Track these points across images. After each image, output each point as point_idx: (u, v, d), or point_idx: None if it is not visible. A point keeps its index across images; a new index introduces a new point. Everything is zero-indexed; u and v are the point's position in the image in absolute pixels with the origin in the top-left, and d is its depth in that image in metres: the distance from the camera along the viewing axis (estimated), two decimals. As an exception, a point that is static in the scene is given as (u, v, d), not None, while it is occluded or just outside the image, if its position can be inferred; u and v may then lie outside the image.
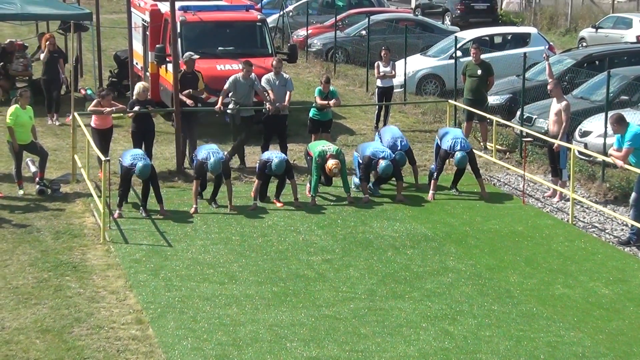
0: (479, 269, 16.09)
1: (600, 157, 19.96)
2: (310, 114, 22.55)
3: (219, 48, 25.68)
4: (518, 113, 23.75)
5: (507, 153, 23.47)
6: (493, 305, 14.53)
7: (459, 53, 28.86)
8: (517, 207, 19.86)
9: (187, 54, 22.69)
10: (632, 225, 17.50)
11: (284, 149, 22.19)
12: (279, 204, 19.28)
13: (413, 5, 49.34)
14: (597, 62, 26.63)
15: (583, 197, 20.07)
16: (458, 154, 19.80)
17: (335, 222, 18.60)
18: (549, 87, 20.82)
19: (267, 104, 21.93)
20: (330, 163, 19.08)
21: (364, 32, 34.65)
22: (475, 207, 19.41)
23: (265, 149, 21.90)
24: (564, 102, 20.46)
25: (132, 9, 27.98)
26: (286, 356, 12.68)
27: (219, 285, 15.10)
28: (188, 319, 13.80)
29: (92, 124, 20.76)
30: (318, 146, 19.79)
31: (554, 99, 20.58)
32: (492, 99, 25.29)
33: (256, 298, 14.68)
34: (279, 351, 12.81)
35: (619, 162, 17.57)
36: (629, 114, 19.14)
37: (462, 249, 17.18)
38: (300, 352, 12.79)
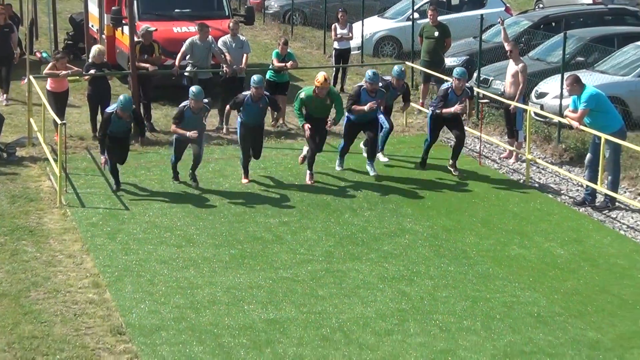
0: (435, 230, 16.15)
1: (556, 119, 20.02)
2: (267, 76, 22.46)
3: (175, 10, 25.54)
4: (475, 75, 23.75)
5: (463, 115, 23.43)
6: (449, 266, 14.59)
7: (416, 15, 28.97)
8: (474, 169, 19.91)
9: (143, 26, 22.52)
10: (587, 186, 17.62)
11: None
12: (244, 180, 18.66)
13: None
14: (553, 24, 26.77)
15: (539, 158, 20.23)
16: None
17: (292, 185, 18.55)
18: (507, 47, 20.81)
19: (224, 66, 21.88)
20: (319, 76, 18.28)
21: (322, -8, 34.44)
22: (432, 169, 19.35)
23: (222, 112, 21.75)
24: (521, 64, 20.49)
25: None
26: (244, 318, 12.64)
27: (176, 248, 15.06)
28: (145, 282, 13.76)
29: (48, 87, 20.67)
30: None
31: (511, 61, 20.57)
32: (449, 61, 25.33)
33: (214, 261, 14.65)
34: (237, 313, 12.79)
35: (575, 124, 17.61)
36: (585, 76, 19.23)
37: (418, 210, 17.22)
38: (258, 315, 12.78)
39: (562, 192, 18.69)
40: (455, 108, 18.88)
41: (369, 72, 18.80)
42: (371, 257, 14.97)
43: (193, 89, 17.75)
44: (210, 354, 11.63)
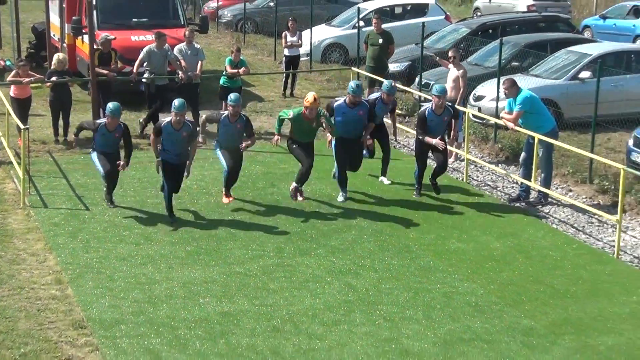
0: (380, 226, 16.36)
1: (493, 120, 20.34)
2: (221, 82, 22.68)
3: (133, 20, 25.56)
4: (417, 79, 24.04)
5: (407, 117, 23.77)
6: (393, 260, 14.84)
7: (361, 23, 29.13)
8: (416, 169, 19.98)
9: (102, 35, 22.60)
10: (522, 183, 17.94)
11: (195, 116, 22.35)
12: (225, 200, 17.45)
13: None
14: (490, 31, 27.05)
15: (477, 157, 20.47)
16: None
17: (245, 184, 18.63)
18: (450, 54, 21.16)
19: (179, 73, 22.03)
20: (309, 96, 16.59)
21: (272, 4, 34.62)
22: (377, 169, 19.53)
23: (155, 114, 22.35)
24: (462, 70, 20.87)
25: None
26: (199, 311, 12.84)
27: (134, 246, 15.24)
28: (105, 279, 13.93)
29: (12, 94, 20.61)
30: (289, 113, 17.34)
31: (452, 66, 20.92)
32: (393, 66, 25.66)
33: (170, 257, 14.84)
34: (192, 307, 13.00)
35: (510, 124, 17.93)
36: (520, 79, 19.48)
37: (364, 207, 17.46)
38: (213, 308, 12.99)
39: (498, 189, 19.01)
40: (435, 142, 17.28)
41: (352, 84, 17.46)
42: (319, 252, 15.22)
43: (175, 102, 16.44)
44: (167, 346, 11.79)
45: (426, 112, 17.43)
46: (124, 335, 12.10)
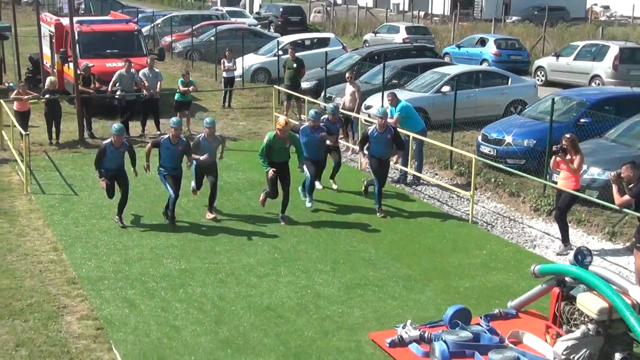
0: (299, 201, 16.14)
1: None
2: (176, 97, 22.46)
3: (107, 50, 25.31)
4: (322, 93, 24.01)
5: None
6: (307, 227, 14.79)
7: (280, 52, 29.09)
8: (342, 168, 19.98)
9: (84, 63, 22.28)
10: (401, 169, 17.95)
11: (157, 123, 22.34)
12: (209, 216, 15.30)
13: (251, 18, 49.09)
14: (376, 57, 27.11)
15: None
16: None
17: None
18: (347, 75, 21.28)
19: (144, 90, 21.84)
20: (281, 119, 14.71)
21: (212, 38, 34.37)
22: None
23: (143, 123, 22.39)
24: (357, 87, 20.99)
25: (42, 23, 27.89)
26: (163, 269, 12.80)
27: (112, 222, 14.97)
28: (91, 246, 13.75)
29: (15, 108, 20.29)
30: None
31: (348, 84, 20.96)
32: (304, 84, 25.57)
33: (140, 229, 14.67)
34: (158, 266, 12.94)
35: (392, 122, 18.03)
36: (399, 93, 19.61)
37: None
38: (173, 266, 12.94)
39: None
40: (362, 163, 16.16)
41: (311, 112, 15.73)
42: (252, 222, 15.13)
43: (173, 119, 15.02)
44: (139, 295, 11.76)
45: (369, 132, 15.48)
46: (106, 288, 12.02)
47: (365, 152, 15.54)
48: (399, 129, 17.67)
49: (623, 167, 12.18)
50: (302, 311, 11.29)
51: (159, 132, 21.99)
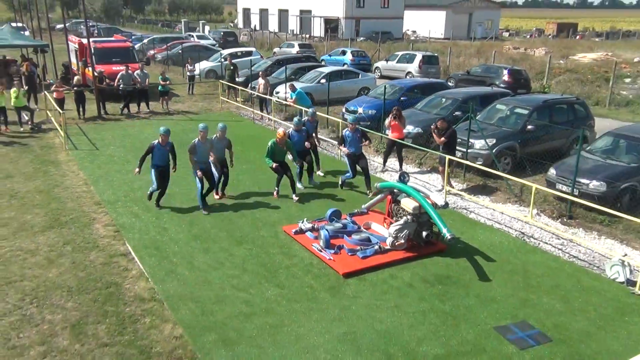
0: (239, 150, 15.62)
1: (285, 102, 20.10)
2: (159, 89, 21.66)
3: (113, 59, 24.13)
4: (249, 84, 23.50)
5: (245, 102, 23.35)
6: (244, 165, 14.46)
7: (223, 60, 28.33)
8: (249, 125, 19.73)
9: (98, 69, 21.21)
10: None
11: (147, 105, 21.59)
12: (216, 196, 12.25)
13: (211, 39, 47.10)
14: (281, 62, 26.56)
15: (276, 119, 20.19)
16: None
17: (174, 133, 17.86)
18: (260, 73, 20.90)
19: (137, 84, 21.00)
20: (280, 131, 11.93)
21: (180, 51, 33.11)
22: (242, 125, 19.16)
23: (138, 105, 21.27)
24: (267, 80, 20.64)
25: (69, 42, 26.56)
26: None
27: (123, 165, 14.48)
28: (109, 181, 13.25)
29: (54, 96, 19.20)
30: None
31: (261, 78, 20.58)
32: (239, 80, 24.79)
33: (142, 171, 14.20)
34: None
35: (290, 103, 18.01)
36: (296, 84, 19.48)
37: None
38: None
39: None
40: (343, 151, 12.71)
41: (295, 119, 12.91)
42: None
43: (200, 125, 11.63)
44: (141, 210, 11.47)
45: (345, 133, 12.63)
46: (120, 206, 11.71)
47: (343, 148, 12.71)
48: (296, 105, 17.66)
49: (439, 121, 12.60)
50: (242, 215, 11.25)
51: (148, 110, 21.37)
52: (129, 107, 21.25)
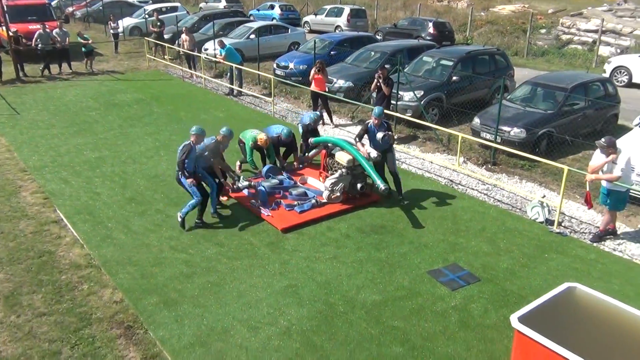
0: (169, 109, 15.52)
1: (214, 58, 19.48)
2: (83, 49, 20.47)
3: (28, 17, 22.51)
4: (177, 41, 22.56)
5: (173, 60, 22.44)
6: (175, 125, 14.15)
7: (147, 16, 26.96)
8: (179, 83, 19.13)
9: (12, 29, 19.66)
10: (228, 87, 17.40)
11: (69, 65, 20.39)
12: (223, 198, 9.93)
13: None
14: (208, 18, 25.59)
15: (209, 76, 19.64)
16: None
17: (99, 94, 17.10)
18: (183, 30, 19.97)
19: (57, 43, 19.72)
20: (263, 136, 10.43)
21: (101, 7, 31.18)
22: (172, 84, 18.57)
23: (60, 66, 20.06)
24: (191, 36, 19.66)
25: None
26: (84, 157, 11.93)
27: (45, 130, 13.73)
28: (33, 147, 12.54)
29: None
30: (247, 133, 10.77)
31: (184, 34, 19.59)
32: (166, 36, 23.69)
33: (67, 133, 13.52)
34: (81, 156, 12.05)
35: (220, 60, 17.49)
36: (224, 39, 18.94)
37: (160, 103, 16.42)
38: (90, 155, 12.07)
39: (218, 86, 18.50)
40: (364, 152, 9.55)
41: (284, 130, 10.87)
42: (140, 125, 14.21)
43: (223, 129, 9.25)
44: (70, 175, 10.95)
45: (368, 125, 9.57)
46: (47, 172, 11.15)
47: (363, 148, 9.66)
48: (223, 61, 17.22)
49: (381, 71, 12.60)
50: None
51: (70, 70, 20.18)
52: (50, 68, 20.02)
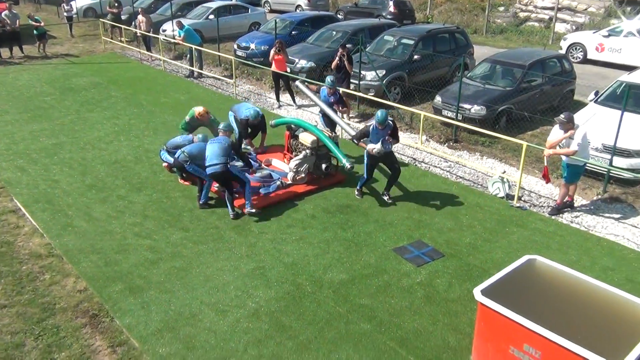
0: (128, 93, 15.17)
1: (172, 40, 19.02)
2: (35, 32, 19.70)
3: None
4: (132, 23, 21.95)
5: (130, 42, 21.81)
6: (134, 109, 13.88)
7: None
8: (137, 66, 18.66)
9: None
10: (188, 69, 17.07)
11: (20, 48, 19.62)
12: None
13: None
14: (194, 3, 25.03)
15: (165, 60, 19.23)
16: None
17: (54, 78, 16.55)
18: (139, 10, 19.43)
19: (7, 26, 18.97)
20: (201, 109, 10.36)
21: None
22: (129, 67, 18.07)
23: (11, 49, 19.25)
24: (148, 17, 19.10)
25: None
26: (41, 144, 11.58)
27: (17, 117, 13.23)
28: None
29: None
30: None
31: (141, 15, 19.04)
32: (123, 17, 22.96)
33: (21, 120, 13.07)
34: (37, 142, 11.70)
35: (179, 41, 17.12)
36: (183, 20, 18.51)
37: (118, 86, 16.02)
38: (47, 142, 11.73)
39: (181, 69, 18.13)
40: (370, 147, 8.76)
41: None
42: (99, 110, 13.84)
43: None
44: (27, 163, 10.59)
45: (370, 127, 8.79)
46: (3, 160, 10.80)
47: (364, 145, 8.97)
48: (182, 42, 16.89)
49: (340, 49, 12.66)
50: (138, 161, 10.79)
51: (22, 54, 19.44)
52: (0, 52, 19.21)
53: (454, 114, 11.69)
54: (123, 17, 22.67)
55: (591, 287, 5.73)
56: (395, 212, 8.89)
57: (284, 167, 10.21)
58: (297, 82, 11.30)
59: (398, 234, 8.28)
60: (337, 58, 12.74)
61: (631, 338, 5.18)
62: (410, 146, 11.62)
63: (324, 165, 9.71)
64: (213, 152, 8.53)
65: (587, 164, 8.85)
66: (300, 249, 7.89)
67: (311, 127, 9.70)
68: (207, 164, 8.55)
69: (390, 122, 8.81)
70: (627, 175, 9.33)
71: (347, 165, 9.01)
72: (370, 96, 12.59)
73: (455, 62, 15.06)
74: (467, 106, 11.83)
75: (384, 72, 13.72)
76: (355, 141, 8.78)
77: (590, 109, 10.87)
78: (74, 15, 25.10)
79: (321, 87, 10.83)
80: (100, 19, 22.45)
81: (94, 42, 22.27)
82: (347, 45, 13.08)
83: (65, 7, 23.43)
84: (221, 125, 8.91)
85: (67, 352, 6.05)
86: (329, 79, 10.54)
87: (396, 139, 8.89)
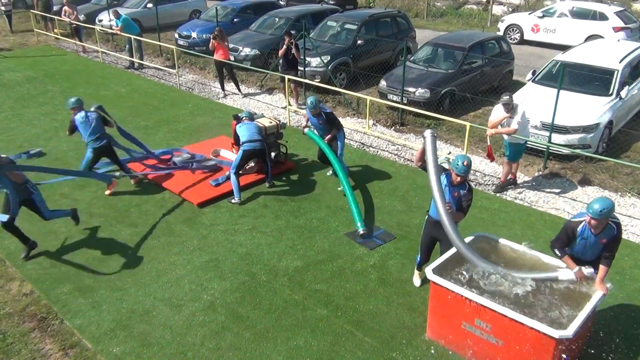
0: (65, 87, 14.57)
1: (113, 31, 18.40)
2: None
3: None
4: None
5: (66, 33, 20.94)
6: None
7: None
8: (74, 58, 17.93)
9: None
10: (129, 60, 16.57)
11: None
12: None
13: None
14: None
15: (155, 63, 18.62)
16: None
17: (36, 64, 15.81)
18: (64, 1, 18.58)
19: None
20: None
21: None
22: (66, 60, 17.34)
23: None
24: (72, 6, 18.38)
25: None
26: (32, 127, 11.01)
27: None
28: None
29: None
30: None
31: (66, 7, 18.24)
32: (55, 8, 22.08)
33: (17, 106, 12.40)
34: (27, 126, 11.07)
35: (116, 31, 16.54)
36: (120, 9, 17.81)
37: (54, 80, 15.35)
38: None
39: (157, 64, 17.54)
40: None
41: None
42: (49, 96, 13.26)
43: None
44: None
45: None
46: None
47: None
48: (119, 33, 16.39)
49: (285, 37, 12.53)
50: (80, 157, 10.33)
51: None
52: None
53: (399, 97, 11.85)
54: (55, 8, 21.72)
55: (534, 259, 5.98)
56: (346, 197, 8.96)
57: (232, 157, 10.10)
58: (427, 133, 6.19)
59: (350, 218, 8.36)
60: (284, 46, 12.64)
61: (576, 307, 5.44)
62: (357, 131, 11.72)
63: (273, 154, 9.67)
64: (251, 132, 8.82)
65: (528, 142, 9.17)
66: (254, 239, 7.85)
67: (330, 156, 8.81)
68: (245, 141, 8.75)
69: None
70: (565, 151, 9.74)
71: (361, 231, 7.82)
72: (316, 82, 12.59)
73: (398, 46, 15.24)
74: (411, 89, 12.02)
75: (328, 57, 13.73)
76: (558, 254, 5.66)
77: (528, 88, 11.25)
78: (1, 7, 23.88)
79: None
80: (31, 10, 21.42)
81: (25, 35, 21.26)
82: (291, 32, 12.97)
83: (3, 1, 22.14)
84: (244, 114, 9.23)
85: (15, 358, 5.83)
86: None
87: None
